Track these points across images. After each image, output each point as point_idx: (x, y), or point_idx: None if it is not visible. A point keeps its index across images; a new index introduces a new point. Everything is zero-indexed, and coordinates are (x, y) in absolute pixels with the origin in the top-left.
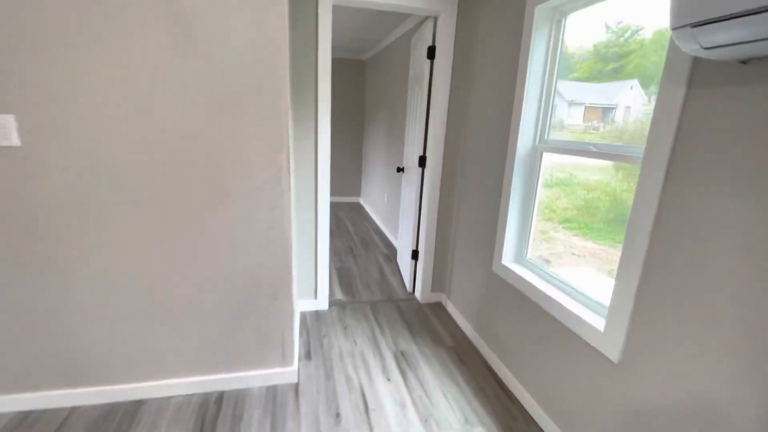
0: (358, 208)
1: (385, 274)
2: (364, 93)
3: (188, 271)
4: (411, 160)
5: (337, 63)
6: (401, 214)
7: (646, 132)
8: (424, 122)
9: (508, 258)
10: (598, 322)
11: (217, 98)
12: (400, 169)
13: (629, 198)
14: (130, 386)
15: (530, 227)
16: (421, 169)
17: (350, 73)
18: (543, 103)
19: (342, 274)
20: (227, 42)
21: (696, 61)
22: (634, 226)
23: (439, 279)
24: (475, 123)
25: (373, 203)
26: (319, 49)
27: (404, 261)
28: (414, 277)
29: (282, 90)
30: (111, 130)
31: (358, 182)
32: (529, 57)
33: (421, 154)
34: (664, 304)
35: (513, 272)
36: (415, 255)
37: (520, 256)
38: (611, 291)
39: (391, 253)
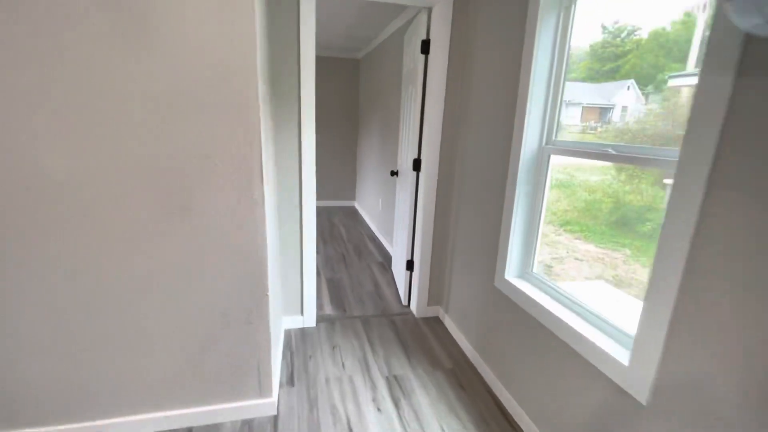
0: (353, 213)
1: (379, 285)
2: (358, 92)
3: (148, 295)
4: (405, 163)
5: (330, 62)
6: (396, 221)
7: (647, 131)
8: (419, 122)
9: (511, 272)
10: (622, 354)
11: (174, 99)
12: (394, 173)
13: (633, 200)
14: (85, 425)
15: (536, 238)
16: (415, 173)
17: (344, 73)
18: (550, 100)
19: (333, 286)
20: (185, 35)
21: (748, 42)
22: (667, 242)
23: (436, 291)
24: (475, 122)
25: (367, 208)
26: (301, 44)
27: (399, 271)
28: (409, 289)
29: (250, 86)
30: (41, 136)
31: (353, 186)
32: (535, 48)
33: (416, 156)
34: (707, 335)
35: (517, 289)
36: (410, 265)
37: (524, 271)
38: (638, 317)
39: (386, 261)
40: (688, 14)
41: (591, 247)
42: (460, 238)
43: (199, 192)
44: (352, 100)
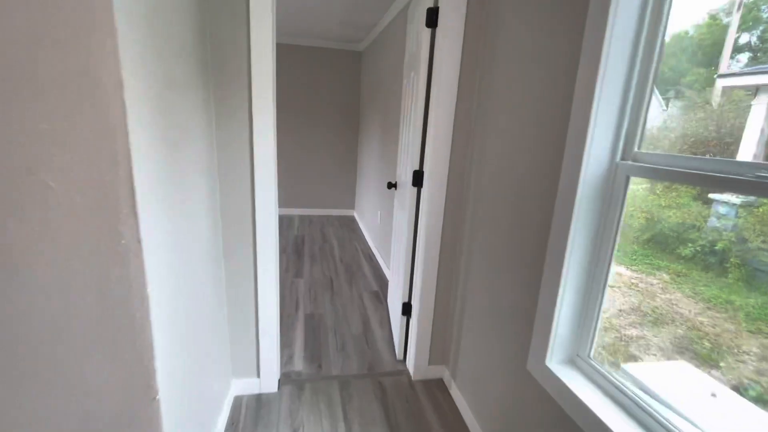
0: (350, 224)
1: (370, 325)
2: (360, 89)
3: None
4: (404, 175)
5: (328, 55)
6: (392, 248)
7: None
8: (421, 122)
9: (556, 356)
10: None
11: None
12: (391, 185)
13: (669, 215)
14: None
15: (598, 307)
16: (416, 188)
17: (344, 67)
18: (632, 94)
19: (311, 327)
20: None
21: None
22: None
23: (440, 347)
24: (501, 124)
25: (366, 219)
26: (251, 6)
27: (394, 311)
28: (405, 339)
29: (104, 57)
30: None
31: (352, 193)
32: (611, 13)
33: (417, 167)
34: None
35: (563, 385)
36: (407, 309)
37: (576, 354)
38: None
39: (382, 288)
40: (713, 17)
41: (623, 270)
42: (476, 284)
43: (19, 233)
44: (352, 98)
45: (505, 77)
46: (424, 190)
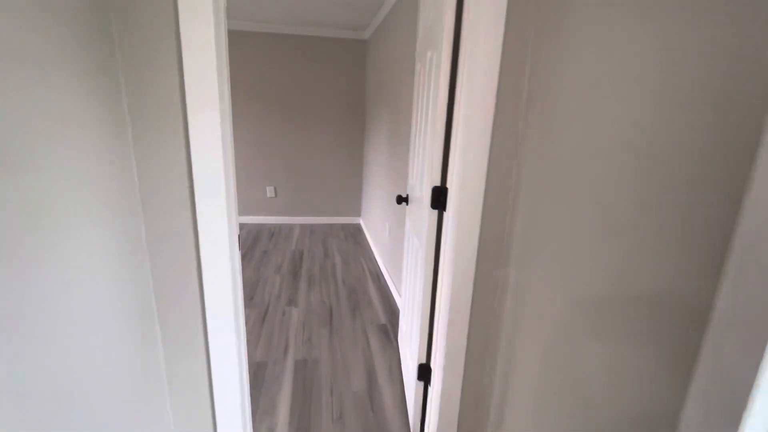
0: (356, 234)
1: (377, 377)
2: (365, 82)
3: None
4: (419, 189)
5: (330, 44)
6: (404, 274)
7: None
8: (443, 119)
9: None
10: None
11: None
12: (402, 199)
13: None
14: None
15: None
16: (436, 212)
17: (347, 58)
18: None
19: (301, 379)
20: None
21: None
22: None
23: (473, 426)
24: (588, 119)
25: (374, 229)
26: None
27: (408, 370)
28: (423, 413)
29: None
30: None
31: (358, 198)
32: None
33: (437, 183)
34: None
35: None
36: (424, 373)
37: None
38: None
39: (393, 321)
40: None
41: None
42: (533, 352)
43: None
44: (357, 93)
45: (589, 33)
46: (447, 215)
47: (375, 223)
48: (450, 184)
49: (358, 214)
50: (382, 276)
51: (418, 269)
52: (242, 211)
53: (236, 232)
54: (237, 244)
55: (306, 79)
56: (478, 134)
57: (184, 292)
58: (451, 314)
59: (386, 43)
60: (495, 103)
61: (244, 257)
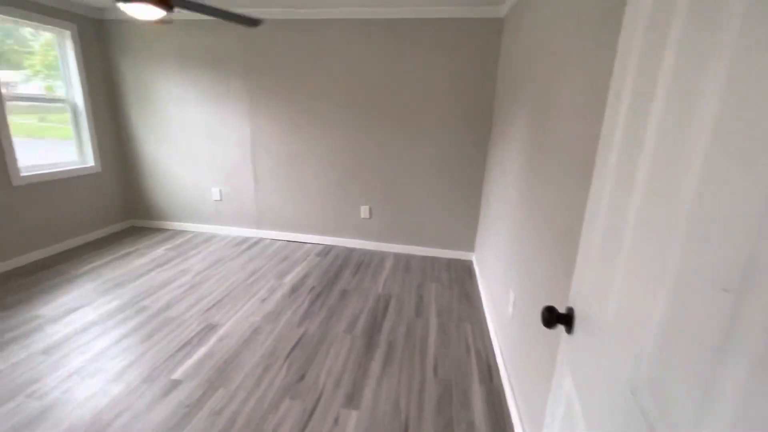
0: (466, 279)
1: None
2: (495, 77)
3: None
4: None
5: (446, 28)
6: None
7: None
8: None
9: None
10: None
11: None
12: (556, 318)
13: None
14: None
15: None
16: None
17: (471, 45)
18: None
19: None
20: None
21: None
22: None
23: None
24: None
25: (490, 278)
26: None
27: None
28: None
29: None
30: None
31: (473, 229)
32: None
33: None
34: None
35: None
36: None
37: None
38: None
39: None
40: None
41: None
42: None
43: None
44: (483, 90)
45: None
46: None
47: (493, 272)
48: None
49: (471, 248)
50: (496, 370)
51: None
52: (332, 231)
53: None
54: None
55: (412, 75)
56: None
57: None
58: None
59: (539, 17)
60: None
61: (318, 297)
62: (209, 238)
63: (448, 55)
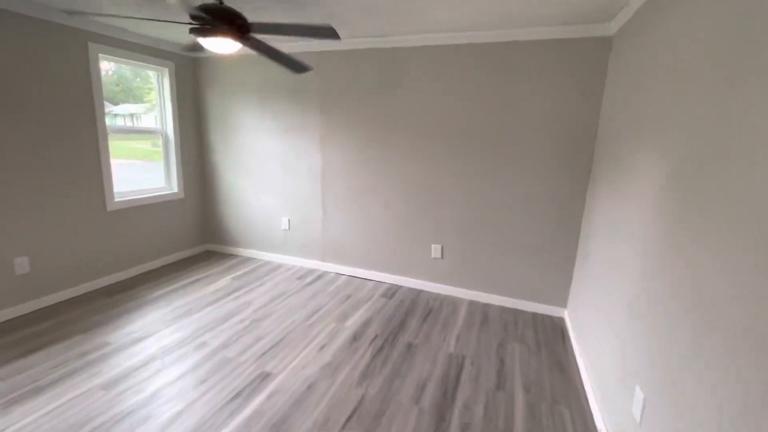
0: (557, 340)
1: None
2: (599, 105)
3: None
4: None
5: (535, 51)
6: None
7: None
8: None
9: None
10: None
11: None
12: None
13: None
14: None
15: None
16: None
17: (569, 67)
18: None
19: None
20: None
21: None
22: None
23: None
24: None
25: (596, 353)
26: None
27: None
28: None
29: None
30: None
31: (566, 280)
32: None
33: None
34: None
35: None
36: None
37: None
38: None
39: None
40: None
41: None
42: None
43: None
44: (582, 120)
45: None
46: None
47: (599, 350)
48: None
49: (562, 303)
50: None
51: None
52: (399, 269)
53: None
54: None
55: (497, 104)
56: None
57: None
58: None
59: (664, 31)
60: None
61: (380, 350)
62: (275, 268)
63: (540, 81)
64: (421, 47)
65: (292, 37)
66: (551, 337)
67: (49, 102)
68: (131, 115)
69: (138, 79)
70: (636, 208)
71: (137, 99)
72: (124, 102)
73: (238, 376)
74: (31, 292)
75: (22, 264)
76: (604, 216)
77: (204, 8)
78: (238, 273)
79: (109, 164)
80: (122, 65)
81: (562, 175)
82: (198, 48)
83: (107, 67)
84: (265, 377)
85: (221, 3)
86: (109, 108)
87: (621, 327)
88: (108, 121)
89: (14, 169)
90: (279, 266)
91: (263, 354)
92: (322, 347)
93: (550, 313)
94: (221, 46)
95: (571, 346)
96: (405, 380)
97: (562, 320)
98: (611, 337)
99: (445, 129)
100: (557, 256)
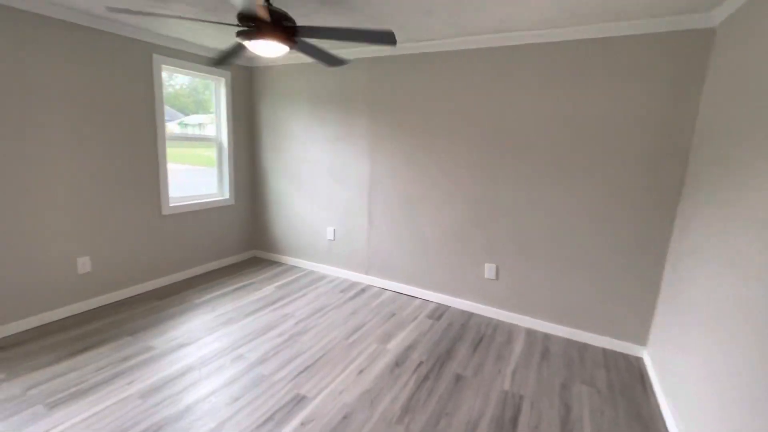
0: (633, 384)
1: None
2: (696, 107)
3: None
4: None
5: (616, 48)
6: None
7: None
8: None
9: None
10: None
11: None
12: None
13: None
14: None
15: None
16: None
17: (656, 65)
18: None
19: None
20: None
21: None
22: None
23: None
24: None
25: (696, 408)
26: None
27: None
28: None
29: None
30: None
31: (646, 312)
32: None
33: None
34: None
35: None
36: None
37: None
38: None
39: None
40: None
41: None
42: None
43: None
44: (672, 127)
45: None
46: None
47: (700, 405)
48: None
49: (641, 341)
50: None
51: None
52: (448, 288)
53: None
54: None
55: (565, 108)
56: None
57: None
58: None
59: None
60: None
61: (425, 379)
62: (318, 279)
63: (618, 82)
64: (477, 50)
65: (344, 42)
66: (628, 382)
67: (117, 111)
68: (199, 125)
69: (207, 92)
70: (753, 235)
71: (205, 110)
72: (194, 113)
73: (272, 396)
74: (90, 291)
75: (84, 263)
76: (706, 241)
77: (252, 12)
78: (282, 282)
79: (166, 170)
80: (194, 78)
81: (644, 187)
82: (230, 57)
83: (182, 81)
84: (300, 400)
85: (270, 5)
86: (180, 118)
87: (736, 388)
88: (179, 129)
89: (88, 176)
90: (323, 277)
91: (299, 374)
92: (361, 371)
93: (624, 351)
94: (268, 49)
95: (655, 397)
96: (452, 419)
97: (640, 361)
98: (718, 397)
99: (504, 136)
100: (635, 284)
